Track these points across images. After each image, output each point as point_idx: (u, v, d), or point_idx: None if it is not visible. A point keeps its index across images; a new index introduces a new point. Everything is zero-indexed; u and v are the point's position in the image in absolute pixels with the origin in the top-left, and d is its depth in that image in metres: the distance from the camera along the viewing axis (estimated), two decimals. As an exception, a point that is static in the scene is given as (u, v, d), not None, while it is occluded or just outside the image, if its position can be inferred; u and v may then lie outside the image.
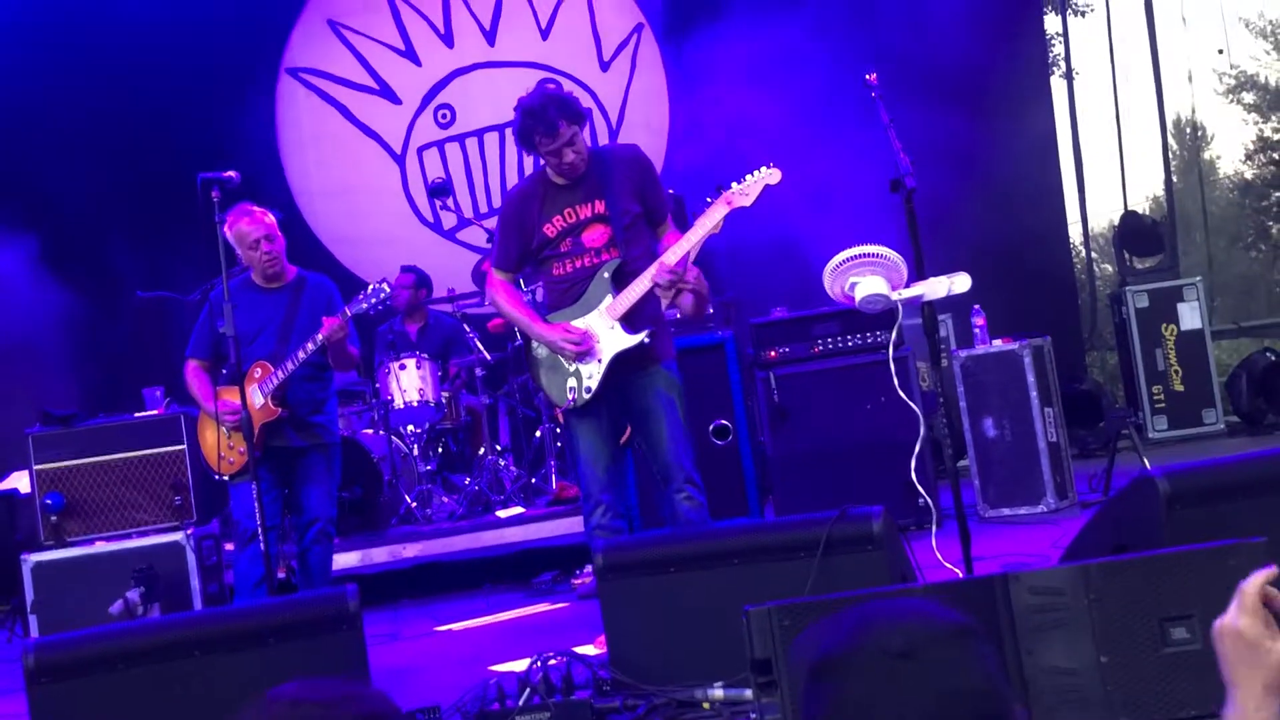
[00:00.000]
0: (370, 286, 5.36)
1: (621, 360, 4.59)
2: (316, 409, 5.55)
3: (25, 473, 6.94)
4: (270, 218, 5.61)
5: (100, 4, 9.24)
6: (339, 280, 9.37)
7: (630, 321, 4.59)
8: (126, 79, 8.91)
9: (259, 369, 5.44)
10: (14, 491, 7.73)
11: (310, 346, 5.30)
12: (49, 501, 6.58)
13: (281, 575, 5.88)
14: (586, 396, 4.61)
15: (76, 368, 8.46)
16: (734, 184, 4.60)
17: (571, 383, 4.63)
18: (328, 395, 5.68)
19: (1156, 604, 3.03)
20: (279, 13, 9.83)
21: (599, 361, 4.59)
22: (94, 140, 9.16)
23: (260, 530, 5.24)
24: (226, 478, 5.57)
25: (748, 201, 4.58)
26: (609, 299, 4.60)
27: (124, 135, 9.11)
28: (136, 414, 6.74)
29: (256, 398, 5.38)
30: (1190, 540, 3.23)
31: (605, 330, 4.60)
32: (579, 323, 4.62)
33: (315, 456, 5.52)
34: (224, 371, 5.61)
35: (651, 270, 4.54)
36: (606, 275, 4.61)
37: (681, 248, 4.54)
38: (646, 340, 4.57)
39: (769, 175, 4.58)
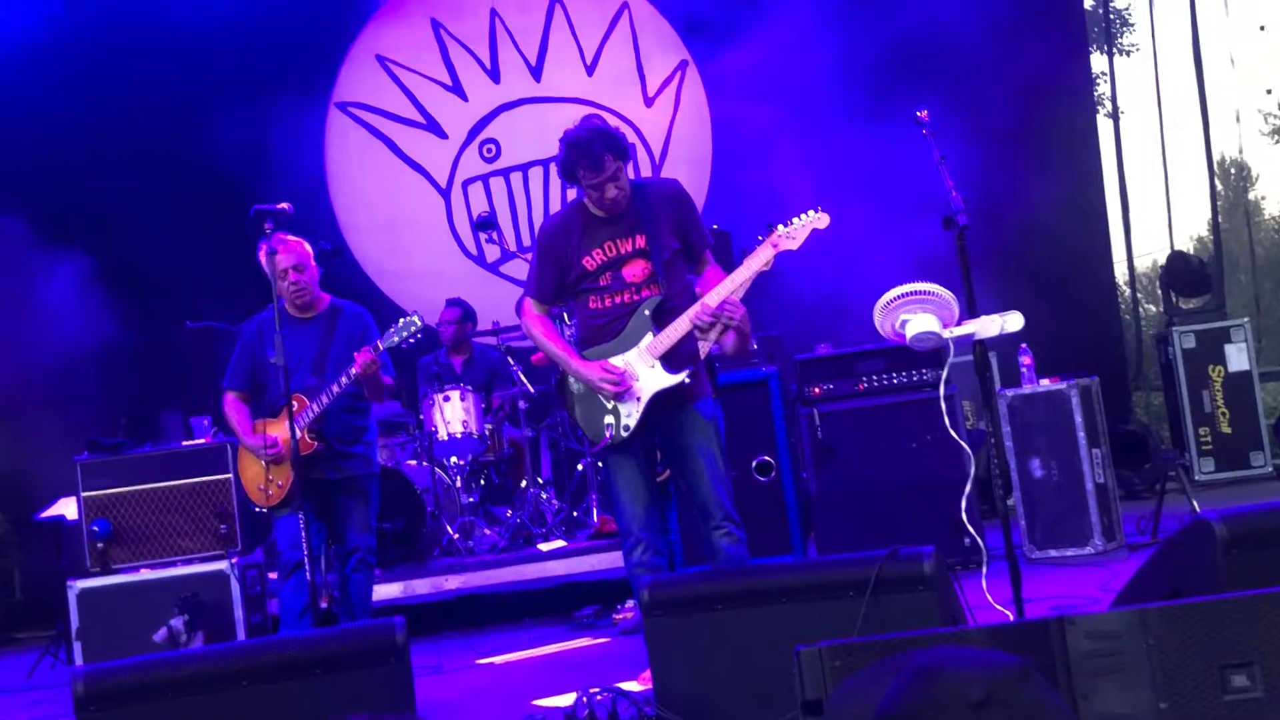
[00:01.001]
0: (401, 320, 5.33)
1: (660, 399, 4.56)
2: (354, 440, 5.54)
3: (73, 499, 7.01)
4: (306, 247, 5.60)
5: (155, 33, 9.40)
6: (383, 314, 9.57)
7: (670, 360, 4.56)
8: (178, 109, 9.03)
9: (295, 402, 5.37)
10: (61, 518, 7.78)
11: (345, 380, 5.30)
12: (95, 528, 6.63)
13: (324, 605, 5.88)
14: (624, 435, 4.57)
15: (124, 393, 8.52)
16: (781, 226, 4.58)
17: (609, 420, 4.60)
18: (365, 426, 5.66)
19: (1216, 650, 2.98)
20: (329, 48, 9.95)
21: (638, 400, 4.56)
22: (145, 170, 9.27)
23: (305, 561, 5.27)
24: (267, 510, 5.59)
25: (794, 245, 4.57)
26: (649, 337, 4.57)
27: (174, 165, 9.21)
28: (184, 443, 6.79)
29: (294, 433, 5.31)
30: (1246, 585, 3.18)
31: (645, 368, 4.57)
32: (618, 360, 4.58)
33: (353, 487, 5.51)
34: (266, 400, 5.61)
35: (693, 310, 4.53)
36: (647, 312, 4.58)
37: (725, 288, 4.53)
38: (687, 380, 4.56)
39: (817, 219, 4.57)
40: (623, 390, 4.54)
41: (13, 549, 9.24)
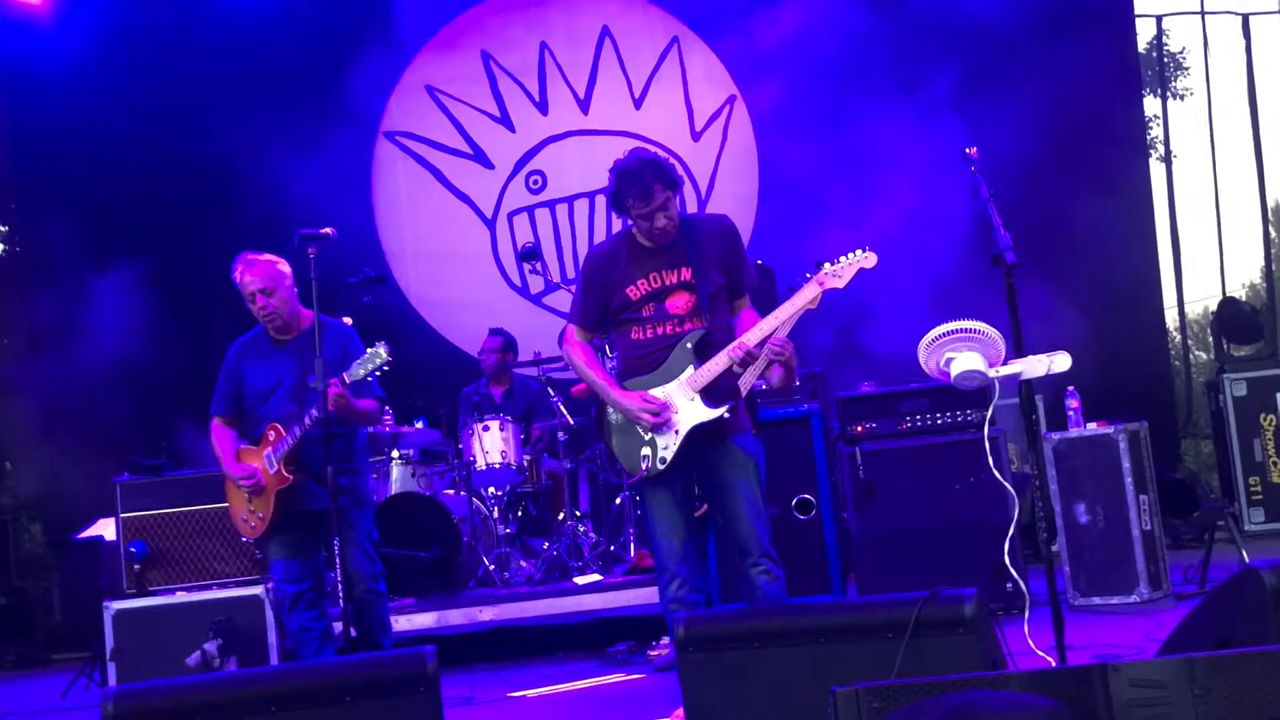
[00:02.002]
0: (368, 350, 5.08)
1: (698, 432, 4.52)
2: (337, 469, 5.15)
3: (111, 520, 7.04)
4: (280, 267, 5.36)
5: (206, 57, 9.52)
6: (426, 342, 9.63)
7: (711, 394, 4.53)
8: (229, 132, 9.09)
9: (272, 432, 5.28)
10: (99, 538, 7.83)
11: (315, 414, 5.07)
12: (133, 550, 6.65)
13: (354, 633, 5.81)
14: (660, 467, 4.54)
15: (167, 414, 8.54)
16: (828, 265, 4.56)
17: (646, 451, 4.56)
18: (350, 453, 5.43)
19: (1266, 701, 2.88)
20: (379, 77, 10.01)
21: (676, 433, 4.52)
22: (193, 190, 9.36)
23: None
24: (251, 541, 5.54)
25: (840, 284, 4.54)
26: (691, 370, 4.53)
27: (223, 187, 9.26)
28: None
29: (270, 464, 5.26)
30: (1298, 637, 3.09)
31: (685, 401, 4.53)
32: (658, 391, 4.55)
33: (340, 520, 5.14)
34: (247, 427, 5.49)
35: (731, 347, 4.49)
36: (690, 345, 4.55)
37: (766, 327, 4.49)
38: (727, 414, 4.51)
39: (864, 259, 4.54)
40: (661, 422, 4.51)
41: (51, 570, 9.28)
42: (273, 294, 5.32)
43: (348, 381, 5.04)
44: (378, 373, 5.10)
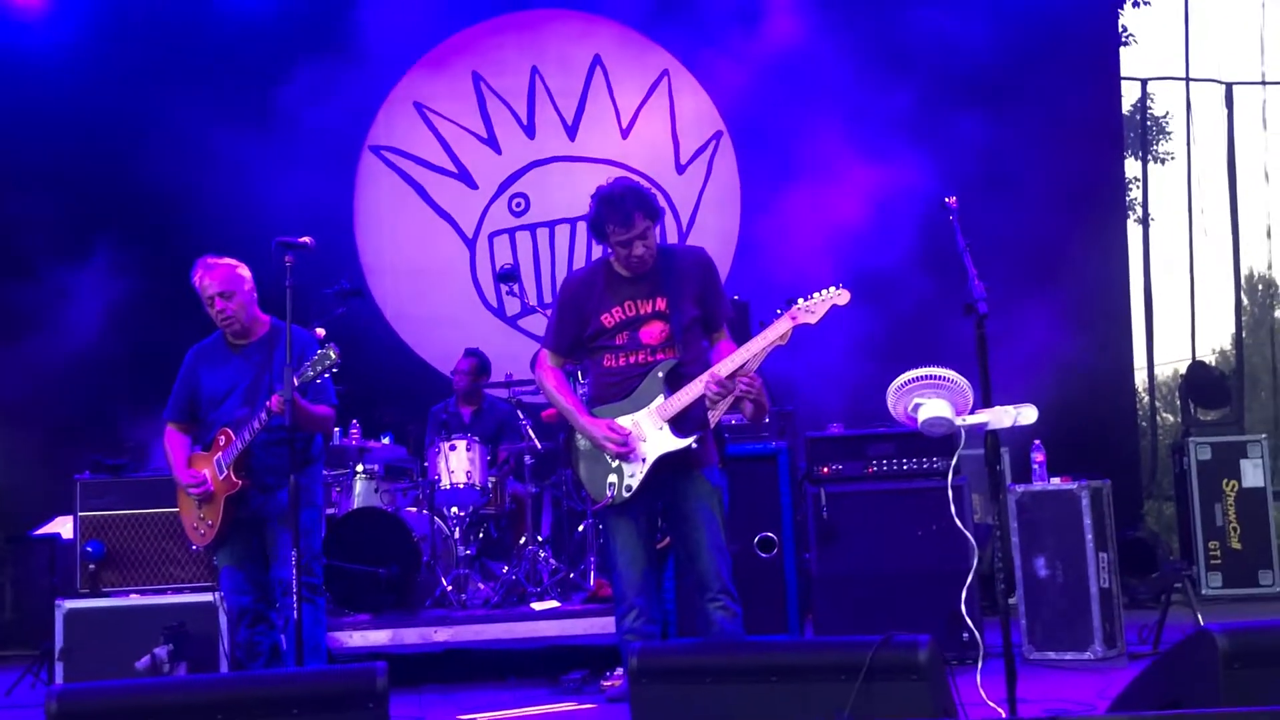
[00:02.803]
0: (318, 352, 5.03)
1: (665, 462, 4.52)
2: (283, 477, 5.09)
3: (69, 518, 6.98)
4: (240, 271, 5.35)
5: (197, 57, 9.49)
6: (399, 358, 9.60)
7: (679, 424, 4.53)
8: (212, 135, 9.06)
9: (223, 436, 5.24)
10: (56, 536, 7.75)
11: (264, 417, 5.06)
12: (89, 549, 6.60)
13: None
14: (626, 495, 4.54)
15: (138, 414, 8.47)
16: (801, 300, 4.56)
17: (612, 479, 4.56)
18: (306, 460, 5.36)
19: (1212, 766, 2.90)
20: (368, 91, 10.01)
21: (643, 461, 4.52)
22: (172, 193, 9.30)
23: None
24: (203, 551, 5.50)
25: (813, 319, 4.53)
26: (660, 399, 4.54)
27: (203, 193, 9.21)
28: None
29: (220, 469, 5.22)
30: (1246, 701, 3.11)
31: (653, 430, 4.53)
32: (626, 419, 4.56)
33: (284, 524, 5.09)
34: (200, 433, 5.44)
35: (704, 377, 4.49)
36: (661, 375, 4.56)
37: (738, 359, 4.50)
38: (695, 445, 4.51)
39: (837, 296, 4.54)
40: (627, 450, 4.50)
41: (5, 566, 9.18)
42: (231, 297, 5.31)
43: (296, 383, 4.99)
44: (327, 374, 5.07)
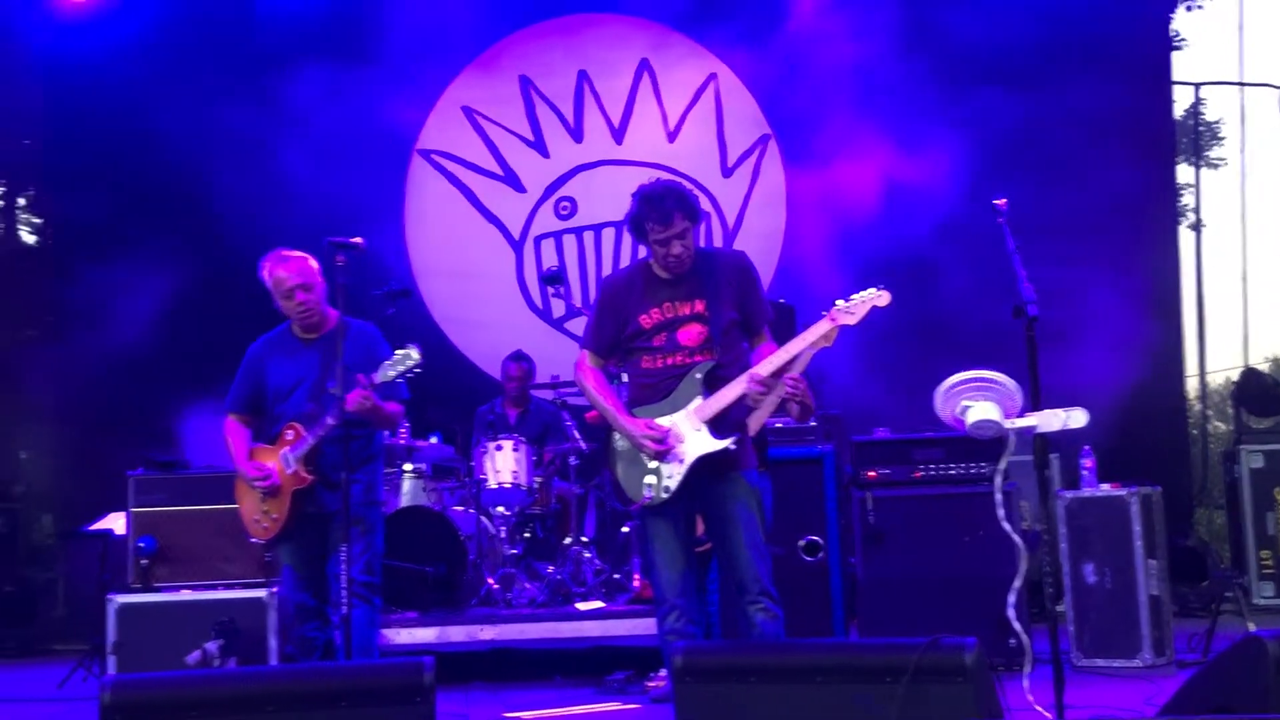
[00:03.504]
0: (398, 352, 5.02)
1: (704, 464, 4.51)
2: (352, 470, 5.15)
3: (122, 514, 7.07)
4: (313, 263, 5.36)
5: (250, 59, 9.60)
6: (445, 359, 9.66)
7: (717, 426, 4.52)
8: (265, 138, 9.16)
9: (290, 431, 5.22)
10: (109, 532, 7.85)
11: (338, 413, 5.02)
12: (141, 545, 6.68)
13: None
14: (664, 496, 4.53)
15: (192, 410, 8.56)
16: (840, 301, 4.56)
17: (650, 480, 4.55)
18: (368, 456, 5.39)
19: (1262, 772, 2.87)
20: (418, 96, 10.09)
21: (681, 462, 4.51)
22: (225, 193, 9.41)
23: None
24: (260, 543, 5.47)
25: (853, 320, 4.53)
26: (699, 400, 4.53)
27: (255, 193, 9.31)
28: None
29: (287, 463, 5.21)
30: (1299, 710, 3.07)
31: (691, 431, 4.52)
32: (664, 420, 4.55)
33: (348, 517, 5.10)
34: (264, 425, 5.44)
35: (744, 378, 4.49)
36: (699, 376, 4.55)
37: (778, 359, 4.49)
38: (733, 446, 4.50)
39: (878, 297, 4.53)
40: (665, 450, 4.50)
41: (58, 561, 9.31)
42: (310, 289, 5.31)
43: (376, 382, 5.00)
44: (408, 375, 5.06)
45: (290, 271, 5.30)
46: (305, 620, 5.40)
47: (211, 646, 5.97)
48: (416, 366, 5.01)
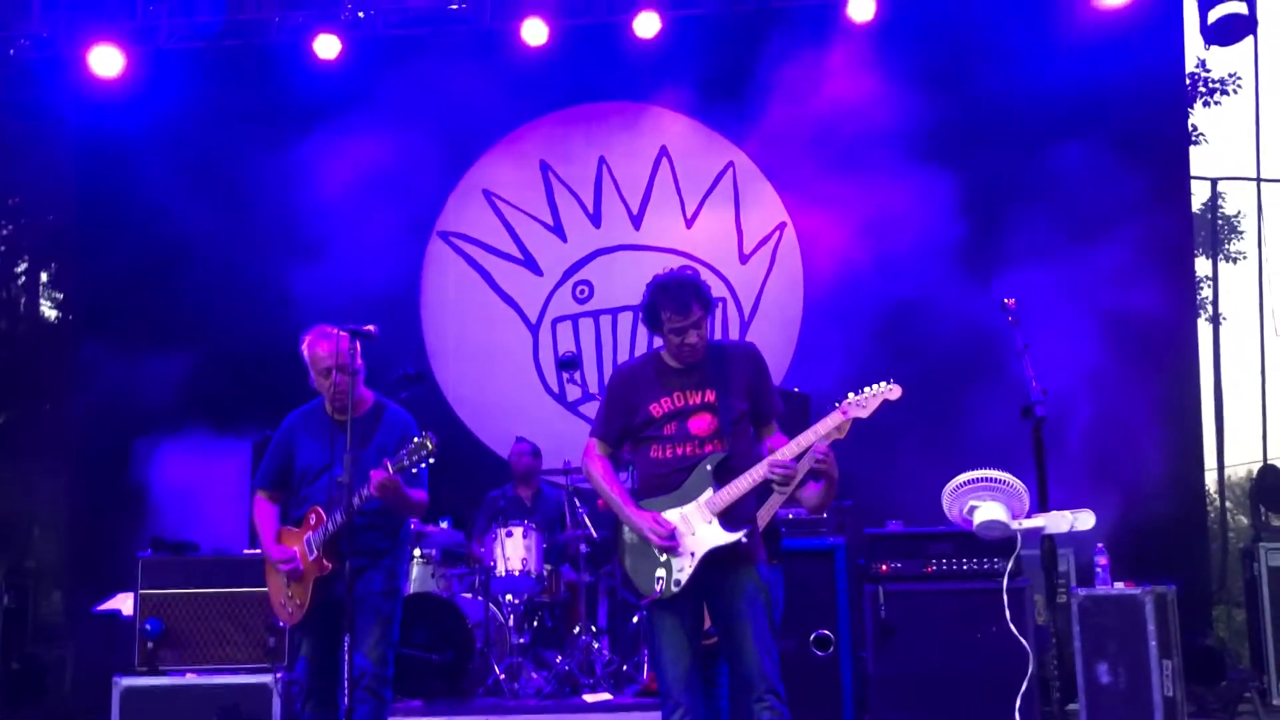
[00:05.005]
0: (414, 440, 4.92)
1: (713, 557, 4.48)
2: (375, 559, 5.11)
3: (130, 595, 7.05)
4: (356, 345, 5.19)
5: (277, 140, 9.73)
6: (457, 441, 9.66)
7: (728, 519, 4.50)
8: (288, 217, 9.27)
9: (313, 515, 5.11)
10: (117, 612, 7.83)
11: (360, 499, 4.93)
12: (148, 626, 6.66)
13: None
14: (674, 590, 4.49)
15: (195, 497, 8.59)
16: (852, 394, 4.57)
17: (660, 573, 4.51)
18: (389, 546, 5.24)
19: None
20: (439, 179, 10.21)
21: (692, 555, 4.48)
22: (246, 273, 9.51)
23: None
24: (286, 626, 5.41)
25: (865, 413, 4.54)
26: (709, 492, 4.51)
27: (276, 271, 9.41)
28: (245, 550, 6.82)
29: (310, 549, 5.10)
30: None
31: (702, 524, 4.50)
32: (675, 512, 4.52)
33: (365, 606, 5.04)
34: (289, 507, 5.33)
35: (759, 469, 4.47)
36: (709, 468, 4.53)
37: (793, 449, 4.49)
38: (744, 539, 4.48)
39: (889, 391, 4.54)
40: (672, 545, 4.48)
41: (68, 640, 9.28)
42: (345, 370, 5.12)
43: (391, 470, 4.92)
44: (423, 464, 4.96)
45: (329, 350, 5.14)
46: (315, 704, 5.32)
47: (215, 732, 5.94)
48: (431, 455, 4.94)
